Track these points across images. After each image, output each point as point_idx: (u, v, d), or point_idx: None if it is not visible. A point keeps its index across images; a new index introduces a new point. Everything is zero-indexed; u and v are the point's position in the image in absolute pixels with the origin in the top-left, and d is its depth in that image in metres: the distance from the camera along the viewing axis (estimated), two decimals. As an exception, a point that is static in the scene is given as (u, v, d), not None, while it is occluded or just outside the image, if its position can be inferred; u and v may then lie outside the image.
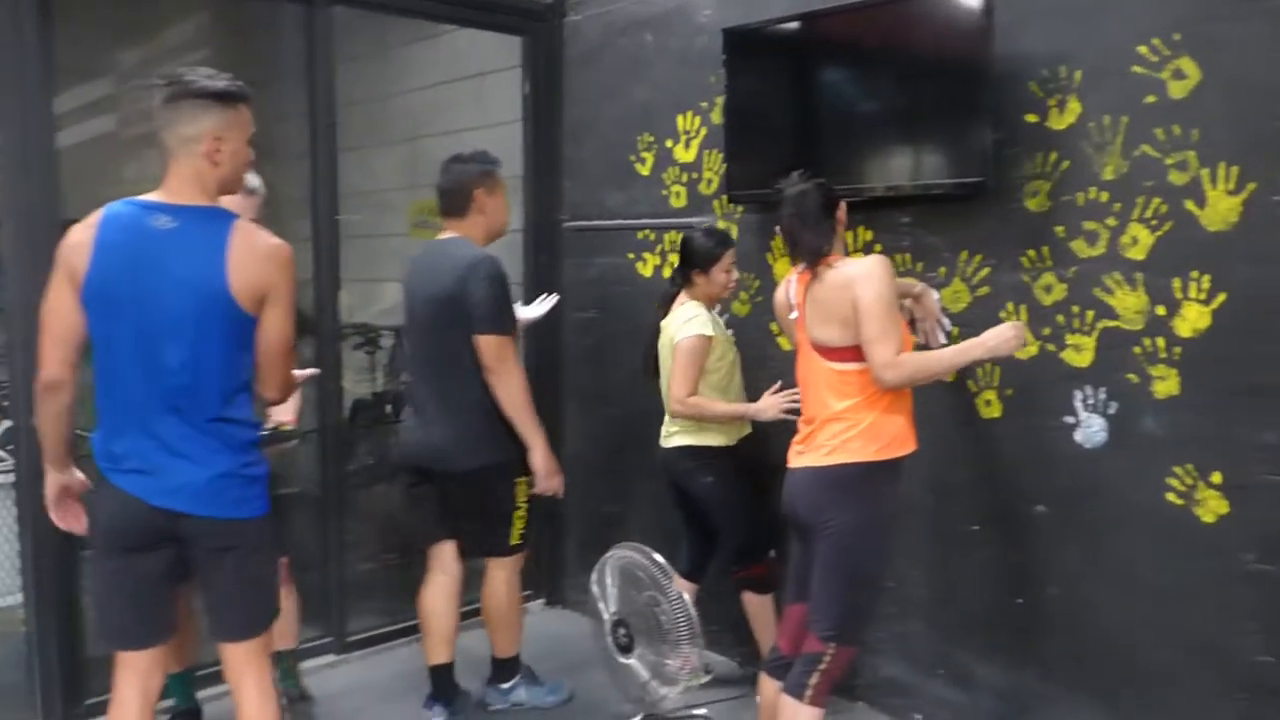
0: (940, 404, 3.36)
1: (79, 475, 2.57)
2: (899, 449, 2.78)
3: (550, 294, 4.02)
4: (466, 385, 3.32)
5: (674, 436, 3.59)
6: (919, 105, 3.28)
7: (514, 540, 3.51)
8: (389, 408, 5.45)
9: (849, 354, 2.73)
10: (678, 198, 4.12)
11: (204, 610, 2.56)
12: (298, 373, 2.82)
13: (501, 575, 3.55)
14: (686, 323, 3.47)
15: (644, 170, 4.23)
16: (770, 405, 3.45)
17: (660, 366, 3.61)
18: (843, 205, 2.88)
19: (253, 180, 3.21)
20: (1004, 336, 2.75)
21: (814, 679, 2.76)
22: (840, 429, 2.76)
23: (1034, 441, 3.15)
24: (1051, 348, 3.09)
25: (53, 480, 2.55)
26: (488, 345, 3.26)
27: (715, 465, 3.55)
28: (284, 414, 3.22)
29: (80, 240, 2.34)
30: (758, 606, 3.60)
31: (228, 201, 3.06)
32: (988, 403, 3.25)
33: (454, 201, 3.43)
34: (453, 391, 3.34)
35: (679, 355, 3.45)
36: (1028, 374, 3.15)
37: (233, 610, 2.50)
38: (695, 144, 4.03)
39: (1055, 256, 3.07)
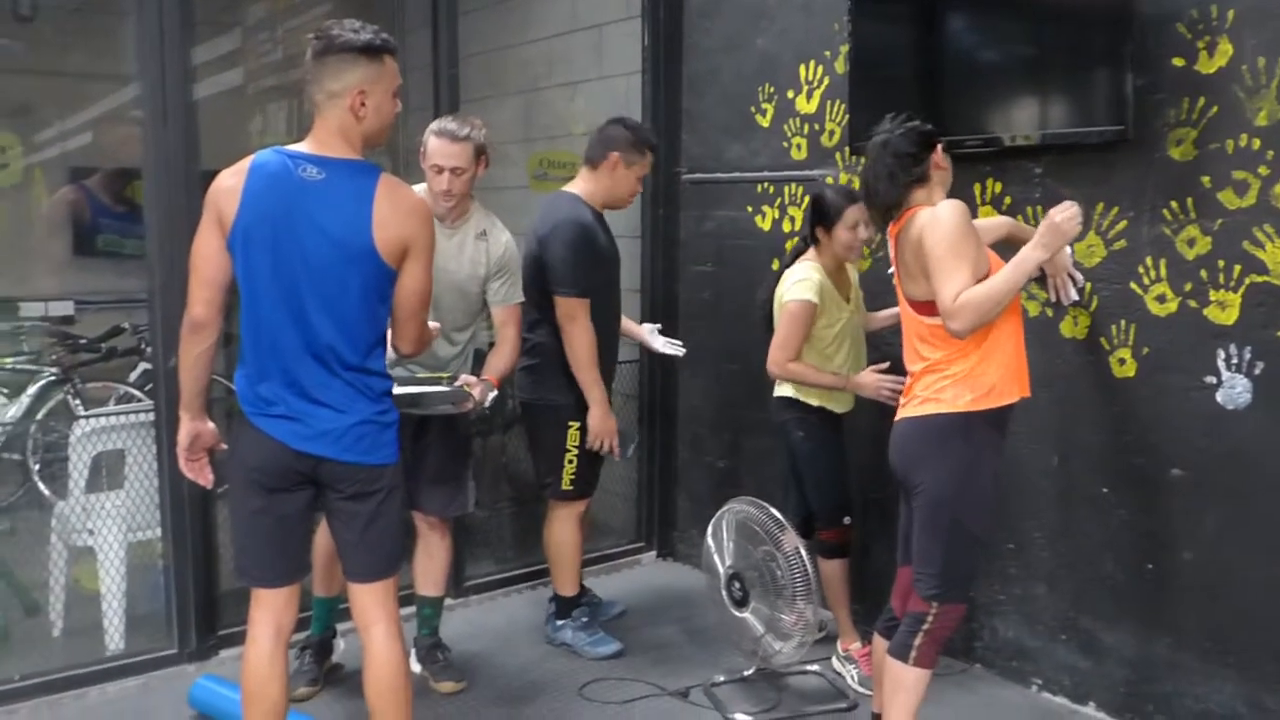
0: (1070, 363, 3.25)
1: (210, 426, 2.64)
2: (998, 399, 2.64)
3: (681, 346, 4.00)
4: (540, 330, 3.59)
5: (781, 385, 3.56)
6: (1055, 50, 3.16)
7: (565, 485, 3.67)
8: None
9: (935, 307, 2.62)
10: (799, 150, 4.04)
11: (338, 552, 2.63)
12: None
13: (556, 518, 3.74)
14: (795, 284, 3.39)
15: (764, 122, 4.17)
16: (870, 382, 3.35)
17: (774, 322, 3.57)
18: (938, 149, 2.72)
19: (462, 127, 3.17)
20: (1052, 224, 2.54)
21: (918, 639, 2.69)
22: (933, 379, 2.67)
23: (1171, 402, 3.02)
24: (1194, 304, 2.96)
25: (186, 428, 2.61)
26: (561, 304, 3.51)
27: (809, 422, 3.49)
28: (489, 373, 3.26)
29: (230, 186, 2.39)
30: (829, 571, 3.52)
31: (435, 150, 3.14)
32: (1122, 361, 3.13)
33: (593, 151, 3.63)
34: (532, 334, 3.58)
35: (783, 318, 3.39)
36: (1166, 332, 3.02)
37: (365, 552, 2.56)
38: (818, 94, 3.95)
39: (1200, 208, 2.93)
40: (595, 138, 3.65)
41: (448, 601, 3.76)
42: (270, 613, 2.55)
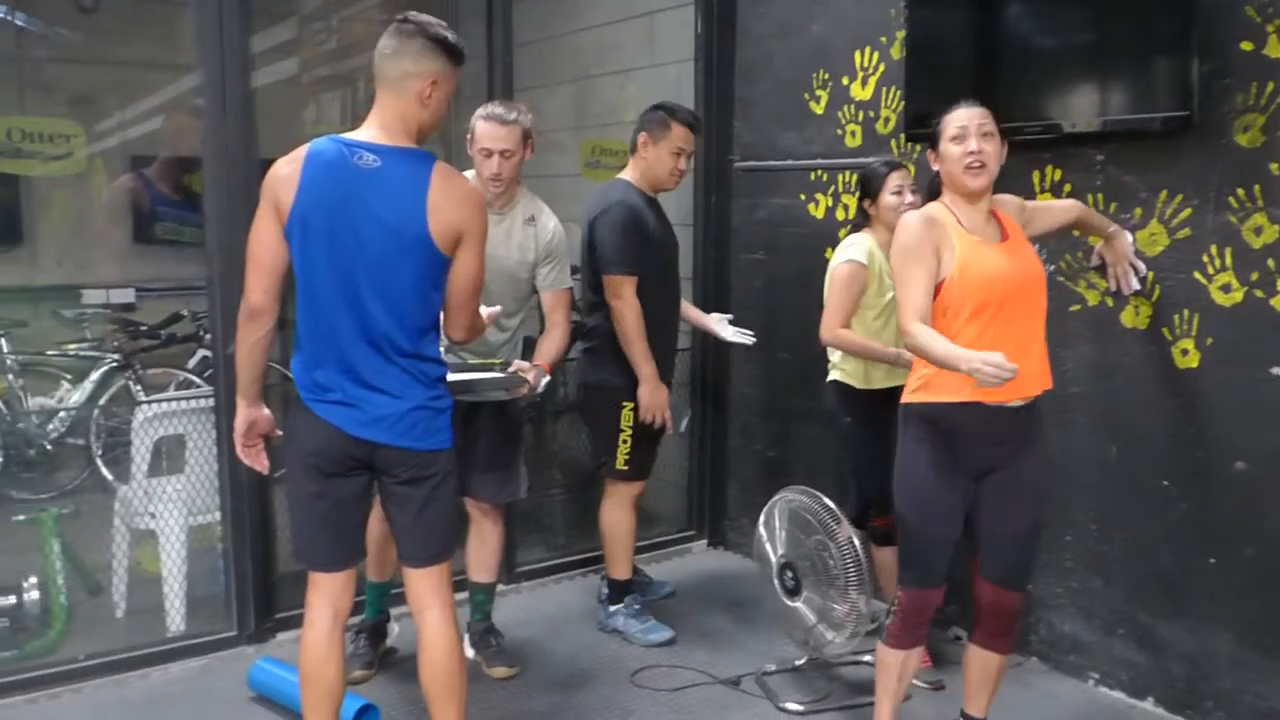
0: (1131, 354, 3.20)
1: (266, 412, 2.68)
2: (933, 394, 2.63)
3: (751, 336, 3.94)
4: (597, 314, 3.66)
5: (831, 371, 3.54)
6: (1117, 34, 3.10)
7: (620, 464, 3.71)
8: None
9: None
10: (853, 137, 4.01)
11: (393, 536, 2.66)
12: (483, 310, 2.88)
13: (610, 499, 3.79)
14: (844, 248, 3.41)
15: (818, 109, 4.13)
16: None
17: None
18: (930, 154, 2.73)
19: (509, 111, 3.21)
20: (980, 366, 2.34)
21: (888, 620, 2.83)
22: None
23: (1236, 395, 2.96)
24: (1260, 294, 2.89)
25: (243, 414, 2.65)
26: (608, 282, 3.56)
27: (854, 407, 3.47)
28: (540, 358, 3.30)
29: (286, 174, 2.42)
30: (883, 559, 3.51)
31: (484, 133, 3.17)
32: (1184, 352, 3.07)
33: (632, 141, 3.68)
34: (589, 317, 3.70)
35: (833, 283, 3.40)
36: (1231, 323, 2.96)
37: (420, 536, 2.58)
38: (873, 81, 3.91)
39: (1268, 196, 2.86)
40: (634, 129, 3.70)
41: (500, 587, 3.79)
42: (327, 596, 2.59)
